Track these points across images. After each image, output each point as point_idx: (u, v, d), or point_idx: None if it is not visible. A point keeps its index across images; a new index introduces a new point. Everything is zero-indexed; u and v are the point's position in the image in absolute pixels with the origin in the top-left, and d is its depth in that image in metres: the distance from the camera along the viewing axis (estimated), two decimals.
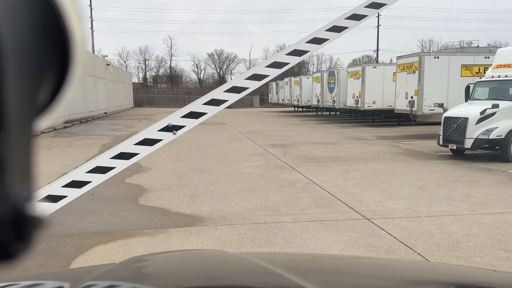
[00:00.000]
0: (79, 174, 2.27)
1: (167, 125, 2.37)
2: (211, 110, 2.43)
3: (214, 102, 2.44)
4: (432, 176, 8.97)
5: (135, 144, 2.36)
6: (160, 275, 1.16)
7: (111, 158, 2.33)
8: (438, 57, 17.97)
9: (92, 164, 2.30)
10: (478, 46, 52.57)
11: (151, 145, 2.37)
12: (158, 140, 2.38)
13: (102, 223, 6.04)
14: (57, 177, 9.96)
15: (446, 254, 4.74)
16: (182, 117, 2.40)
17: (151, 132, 2.38)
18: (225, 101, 2.43)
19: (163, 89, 72.47)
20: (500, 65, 12.07)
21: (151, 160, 11.58)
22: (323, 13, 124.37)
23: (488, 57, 17.30)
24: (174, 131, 2.38)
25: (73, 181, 2.27)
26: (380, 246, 5.00)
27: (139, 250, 4.95)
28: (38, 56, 0.35)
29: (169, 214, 6.43)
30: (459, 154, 11.66)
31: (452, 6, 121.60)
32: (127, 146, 2.35)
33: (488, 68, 13.09)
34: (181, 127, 2.39)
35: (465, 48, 53.15)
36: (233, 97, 2.44)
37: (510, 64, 11.79)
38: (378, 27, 56.69)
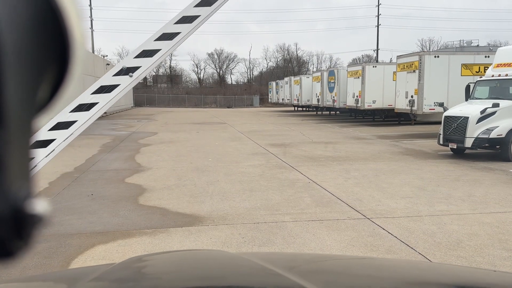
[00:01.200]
0: (42, 133, 2.23)
1: (122, 69, 2.33)
2: (165, 45, 2.38)
3: (166, 36, 2.40)
4: (432, 176, 8.97)
5: (92, 93, 2.31)
6: (160, 275, 1.16)
7: (71, 112, 2.29)
8: (438, 56, 17.97)
9: (53, 121, 2.26)
10: (478, 45, 52.60)
11: (109, 91, 2.32)
12: (115, 86, 2.32)
13: (102, 223, 6.04)
14: (57, 177, 9.85)
15: (446, 253, 4.74)
16: (136, 57, 2.36)
17: (106, 78, 2.34)
18: (178, 33, 2.40)
19: (163, 89, 72.51)
20: (500, 64, 12.06)
21: (151, 160, 11.58)
22: (323, 12, 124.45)
23: (488, 56, 17.31)
24: (130, 74, 2.34)
25: (36, 141, 2.22)
26: (381, 245, 5.00)
27: (139, 250, 4.95)
28: (37, 54, 0.35)
29: (169, 213, 6.43)
30: (460, 153, 11.66)
31: (452, 5, 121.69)
32: (84, 97, 2.31)
33: (488, 67, 13.09)
34: (136, 68, 2.36)
35: (465, 47, 53.18)
36: (185, 28, 2.41)
37: (510, 63, 11.78)
38: (378, 26, 56.69)
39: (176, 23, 2.41)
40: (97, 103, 2.30)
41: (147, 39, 2.42)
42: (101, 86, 2.32)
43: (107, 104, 2.33)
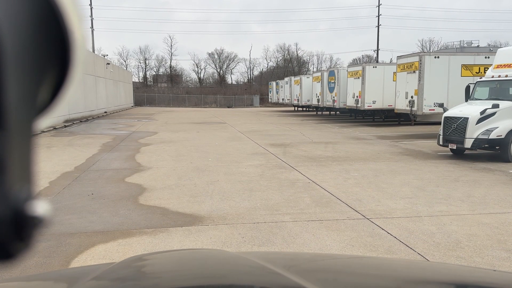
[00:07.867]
0: None
1: None
2: None
3: None
4: (432, 176, 8.97)
5: None
6: (160, 274, 1.16)
7: None
8: (438, 57, 17.97)
9: None
10: (478, 46, 52.65)
11: None
12: None
13: (102, 222, 6.04)
14: (57, 176, 9.88)
15: (446, 254, 4.74)
16: None
17: None
18: None
19: (163, 88, 72.49)
20: (501, 65, 12.06)
21: (151, 159, 11.58)
22: (324, 13, 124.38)
23: (488, 57, 17.32)
24: None
25: None
26: (380, 245, 5.00)
27: (139, 249, 4.95)
28: (38, 55, 0.35)
29: (169, 213, 6.43)
30: (459, 154, 11.66)
31: (453, 6, 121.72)
32: None
33: (488, 68, 13.09)
34: None
35: (465, 48, 53.21)
36: None
37: (510, 64, 11.78)
38: (378, 26, 56.65)
39: None
40: None
41: None
42: None
43: None
